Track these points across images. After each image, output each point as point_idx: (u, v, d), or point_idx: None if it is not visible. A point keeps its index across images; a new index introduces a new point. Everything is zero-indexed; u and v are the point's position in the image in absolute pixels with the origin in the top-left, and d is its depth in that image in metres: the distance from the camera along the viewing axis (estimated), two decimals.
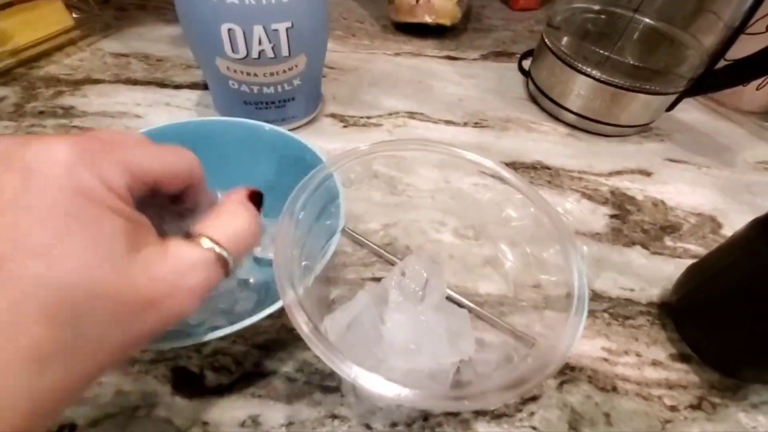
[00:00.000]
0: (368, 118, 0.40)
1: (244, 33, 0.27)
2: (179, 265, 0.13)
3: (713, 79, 0.38)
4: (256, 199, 0.17)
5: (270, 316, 0.24)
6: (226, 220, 0.15)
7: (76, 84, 0.37)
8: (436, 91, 0.45)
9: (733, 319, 0.23)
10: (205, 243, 0.14)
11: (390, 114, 0.41)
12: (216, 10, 0.26)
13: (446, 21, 0.51)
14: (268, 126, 0.26)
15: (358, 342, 0.19)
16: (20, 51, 0.38)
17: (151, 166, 0.14)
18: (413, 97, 0.43)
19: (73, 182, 0.12)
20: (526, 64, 0.48)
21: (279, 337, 0.24)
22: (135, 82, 0.38)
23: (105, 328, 0.11)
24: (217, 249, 0.14)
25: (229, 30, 0.27)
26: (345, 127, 0.38)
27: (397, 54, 0.49)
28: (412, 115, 0.41)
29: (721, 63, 0.38)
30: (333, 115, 0.39)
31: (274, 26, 0.28)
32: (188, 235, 0.14)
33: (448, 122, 0.41)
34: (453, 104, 0.43)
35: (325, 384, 0.22)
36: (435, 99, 0.44)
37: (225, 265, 0.14)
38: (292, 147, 0.25)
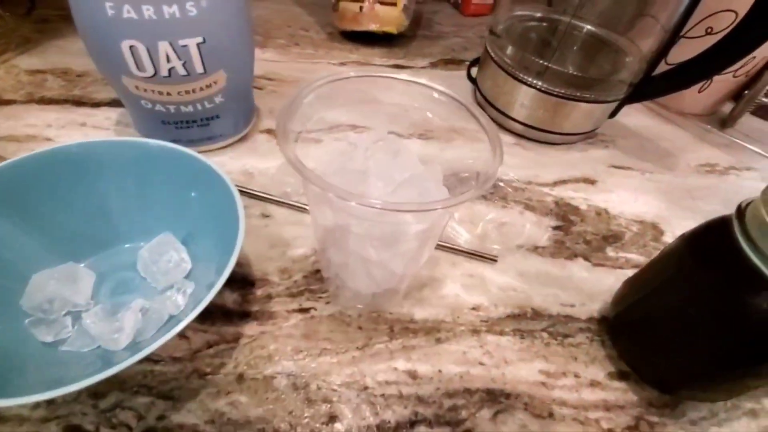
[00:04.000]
0: (308, 132, 0.38)
1: (148, 50, 0.25)
2: None
3: (652, 86, 0.38)
4: None
5: (180, 360, 0.22)
6: None
7: None
8: (382, 102, 0.44)
9: (666, 336, 0.22)
10: None
11: (331, 128, 0.39)
12: (114, 26, 0.24)
13: (392, 29, 0.50)
14: (154, 142, 0.24)
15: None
16: None
17: None
18: (357, 108, 0.42)
19: None
20: (475, 71, 0.48)
21: (188, 385, 0.21)
22: (49, 101, 0.35)
23: None
24: None
25: (131, 47, 0.25)
26: None
27: (343, 63, 0.48)
28: (354, 128, 0.40)
29: (665, 67, 0.38)
30: (268, 131, 0.37)
31: (182, 42, 0.25)
32: None
33: (391, 134, 0.40)
34: (398, 115, 0.42)
35: None
36: (380, 110, 0.42)
37: None
38: (184, 162, 0.24)
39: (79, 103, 0.36)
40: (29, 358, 0.20)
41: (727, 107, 0.49)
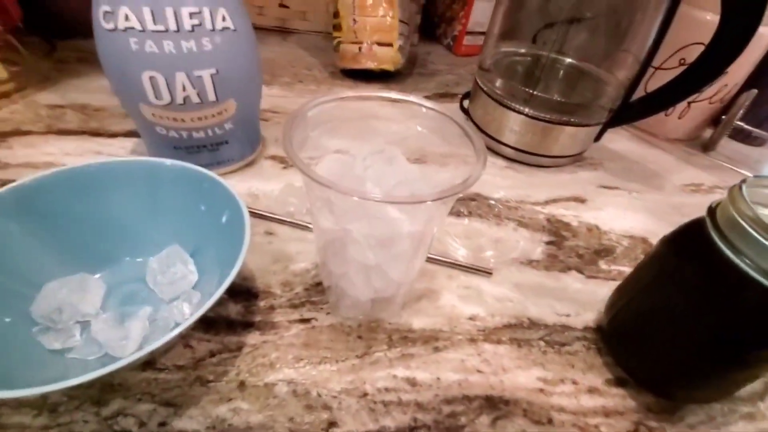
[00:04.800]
0: (310, 158, 0.40)
1: (166, 80, 0.27)
2: None
3: (630, 111, 0.41)
4: None
5: (183, 368, 0.23)
6: None
7: (3, 137, 0.36)
8: (380, 131, 0.46)
9: (655, 335, 0.23)
10: None
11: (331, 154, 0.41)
12: (136, 59, 0.27)
13: (389, 66, 0.53)
14: (167, 161, 0.25)
15: None
16: None
17: None
18: (356, 137, 0.44)
19: None
20: (467, 104, 0.51)
21: (191, 392, 0.22)
22: (67, 133, 0.38)
23: None
24: None
25: (151, 77, 0.27)
26: (285, 168, 0.38)
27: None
28: None
29: (643, 94, 0.41)
30: (273, 157, 0.39)
31: (197, 73, 0.28)
32: None
33: (386, 145, 0.42)
34: (395, 143, 0.44)
35: None
36: (379, 138, 0.45)
37: None
38: (194, 178, 0.25)
39: (95, 134, 0.38)
40: (35, 363, 0.21)
41: (708, 132, 0.52)
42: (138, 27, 0.26)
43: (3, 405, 0.20)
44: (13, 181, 0.32)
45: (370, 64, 0.53)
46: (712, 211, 0.20)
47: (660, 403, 0.24)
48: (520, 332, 0.27)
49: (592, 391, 0.25)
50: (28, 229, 0.23)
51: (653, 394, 0.24)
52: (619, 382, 0.25)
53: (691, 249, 0.21)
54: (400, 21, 0.53)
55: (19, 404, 0.21)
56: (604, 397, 0.24)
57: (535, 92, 0.41)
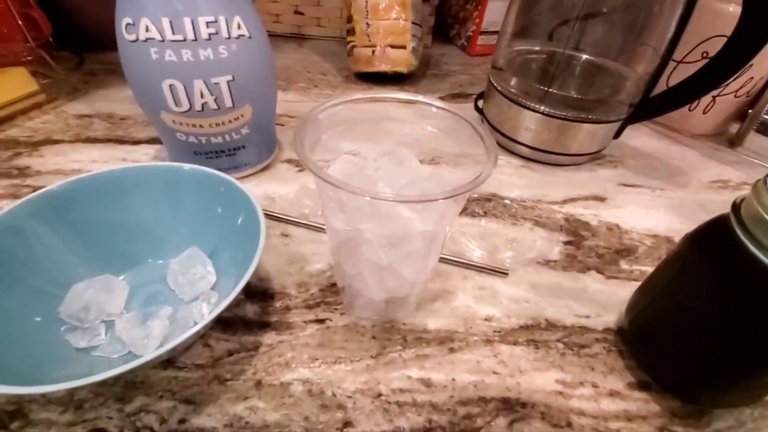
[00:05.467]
0: (325, 161, 0.41)
1: (185, 87, 0.28)
2: None
3: (651, 106, 0.40)
4: None
5: (202, 367, 0.23)
6: None
7: (35, 145, 0.38)
8: (394, 133, 0.46)
9: (680, 339, 0.22)
10: None
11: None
12: (156, 68, 0.28)
13: (402, 69, 0.54)
14: (186, 165, 0.26)
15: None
16: None
17: None
18: (370, 139, 0.44)
19: None
20: (481, 103, 0.50)
21: (209, 390, 0.22)
22: (94, 141, 0.40)
23: None
24: None
25: (171, 85, 0.28)
26: (300, 171, 0.39)
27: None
28: None
29: (665, 88, 0.40)
30: (289, 161, 0.40)
31: (214, 80, 0.29)
32: None
33: (396, 146, 0.42)
34: (409, 144, 0.44)
35: None
36: (392, 140, 0.45)
37: None
38: (212, 182, 0.26)
39: (120, 141, 0.40)
40: (62, 361, 0.22)
41: (734, 127, 0.50)
42: (158, 37, 0.27)
43: (32, 401, 0.21)
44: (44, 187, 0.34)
45: (384, 67, 0.53)
46: (736, 206, 0.19)
47: (685, 408, 0.23)
48: (538, 333, 0.27)
49: (613, 394, 0.24)
50: (57, 233, 0.24)
51: (678, 398, 0.23)
52: (641, 386, 0.24)
53: (714, 246, 0.20)
54: (413, 23, 0.53)
55: (47, 400, 0.22)
56: (626, 401, 0.24)
57: (550, 89, 0.40)
